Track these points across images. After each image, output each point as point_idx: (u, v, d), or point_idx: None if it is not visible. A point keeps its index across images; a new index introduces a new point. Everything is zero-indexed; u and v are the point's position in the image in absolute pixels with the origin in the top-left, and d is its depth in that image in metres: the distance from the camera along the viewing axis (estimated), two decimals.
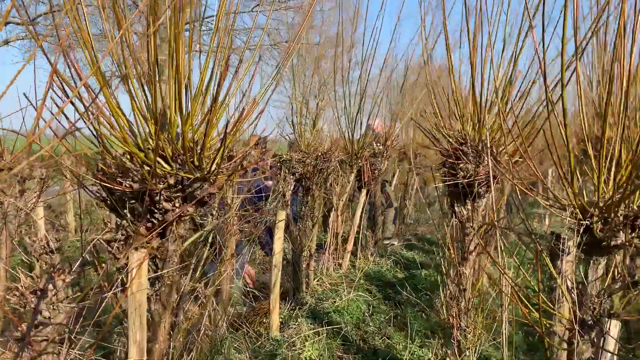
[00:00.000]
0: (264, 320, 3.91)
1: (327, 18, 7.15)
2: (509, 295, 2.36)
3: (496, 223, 2.53)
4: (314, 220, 4.67)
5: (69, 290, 1.46)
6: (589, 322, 1.79)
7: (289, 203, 4.19)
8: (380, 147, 6.22)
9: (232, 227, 3.20)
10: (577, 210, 1.73)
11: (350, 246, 5.79)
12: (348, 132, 5.45)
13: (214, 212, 2.59)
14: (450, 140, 2.79)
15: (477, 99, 2.67)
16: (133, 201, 1.65)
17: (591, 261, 1.83)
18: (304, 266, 4.66)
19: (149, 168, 1.58)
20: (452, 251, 3.03)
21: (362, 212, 5.99)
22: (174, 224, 1.68)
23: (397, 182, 8.39)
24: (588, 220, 1.70)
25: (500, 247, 2.54)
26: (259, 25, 21.63)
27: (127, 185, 1.61)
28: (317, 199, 4.54)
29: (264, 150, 8.17)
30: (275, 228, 3.53)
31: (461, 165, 2.74)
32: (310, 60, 5.32)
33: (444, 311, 2.98)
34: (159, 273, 1.71)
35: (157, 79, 1.57)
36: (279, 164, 4.17)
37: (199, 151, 1.61)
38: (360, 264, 6.15)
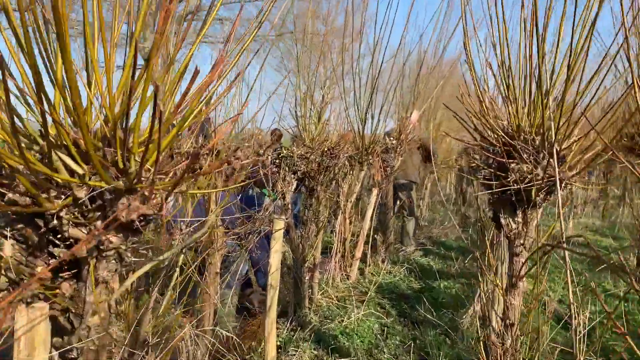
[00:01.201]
0: (258, 346, 3.28)
1: (334, 7, 6.52)
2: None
3: (563, 241, 1.88)
4: (319, 226, 4.02)
5: None
6: None
7: (289, 207, 3.54)
8: (394, 141, 5.56)
9: (216, 239, 2.56)
10: None
11: (359, 253, 5.14)
12: (358, 125, 4.78)
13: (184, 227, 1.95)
14: (498, 132, 2.14)
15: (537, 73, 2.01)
16: (21, 225, 1.00)
17: None
18: (306, 278, 4.02)
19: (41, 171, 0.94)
20: (494, 275, 2.37)
21: (372, 215, 5.34)
22: (91, 261, 1.04)
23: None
24: None
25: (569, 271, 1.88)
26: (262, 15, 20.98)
27: (9, 199, 0.96)
28: (322, 201, 3.88)
29: (276, 146, 7.54)
30: (272, 239, 2.88)
31: (513, 165, 2.09)
32: (315, 50, 4.71)
33: (483, 354, 2.32)
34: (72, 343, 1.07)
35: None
36: (277, 161, 3.52)
37: (126, 142, 0.96)
38: (370, 271, 5.51)
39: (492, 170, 2.22)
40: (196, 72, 0.93)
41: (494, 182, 2.21)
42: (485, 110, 2.22)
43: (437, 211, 9.75)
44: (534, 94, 2.07)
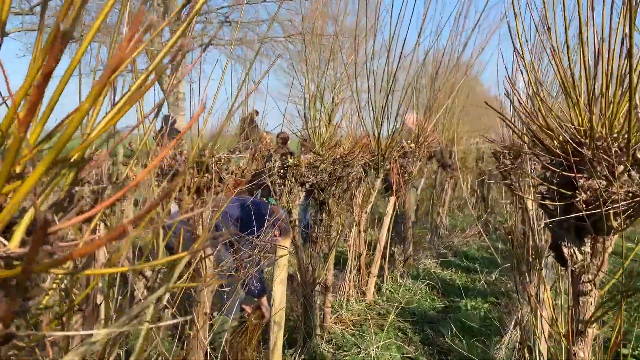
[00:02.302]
0: None
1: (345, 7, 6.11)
2: None
3: None
4: (331, 243, 3.54)
5: None
6: None
7: (296, 224, 3.07)
8: (412, 145, 5.07)
9: (205, 272, 2.10)
10: None
11: (375, 269, 4.66)
12: (373, 128, 4.30)
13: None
14: (563, 138, 1.63)
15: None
16: None
17: None
18: (317, 302, 3.55)
19: None
20: (558, 320, 1.87)
21: (390, 226, 4.85)
22: None
23: (424, 185, 7.23)
24: None
25: None
26: (270, 16, 20.61)
27: None
28: (334, 216, 3.41)
29: (283, 151, 7.08)
30: (275, 266, 2.41)
31: (582, 181, 1.60)
32: (325, 51, 4.28)
33: None
34: None
35: None
36: (282, 171, 3.06)
37: None
38: (388, 288, 5.02)
39: (552, 187, 1.72)
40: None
41: (556, 203, 1.71)
42: (541, 110, 1.72)
43: (456, 217, 9.22)
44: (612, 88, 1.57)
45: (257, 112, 8.27)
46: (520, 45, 1.72)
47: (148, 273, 1.37)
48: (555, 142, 1.72)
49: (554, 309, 2.30)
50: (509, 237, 4.41)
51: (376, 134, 4.33)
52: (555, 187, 1.69)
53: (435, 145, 5.56)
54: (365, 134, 4.30)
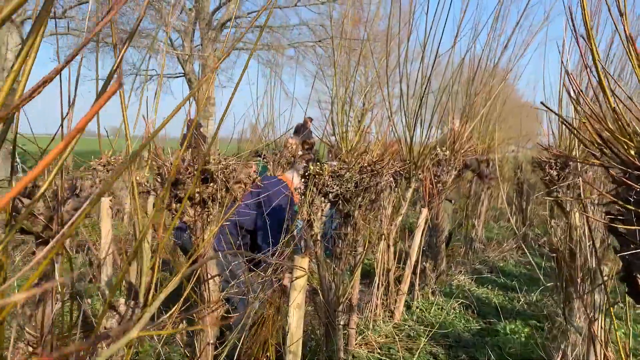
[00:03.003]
0: None
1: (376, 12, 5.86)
2: None
3: None
4: (357, 259, 3.24)
5: None
6: None
7: (317, 239, 2.79)
8: (446, 153, 4.73)
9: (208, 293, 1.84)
10: None
11: (405, 286, 4.32)
12: (405, 134, 3.98)
13: None
14: None
15: None
16: None
17: None
18: (341, 324, 3.24)
19: None
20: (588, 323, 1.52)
21: (421, 240, 4.51)
22: None
23: (457, 196, 6.84)
24: None
25: None
26: (302, 20, 20.48)
27: None
28: (360, 230, 3.11)
29: (309, 157, 6.81)
30: (291, 289, 2.13)
31: None
32: (354, 55, 4.03)
33: None
34: None
35: None
36: (303, 180, 2.77)
37: None
38: (418, 306, 4.67)
39: (628, 206, 1.39)
40: None
41: (633, 227, 1.37)
42: (617, 111, 1.39)
43: (491, 229, 8.77)
44: None
45: (310, 119, 8.03)
46: (588, 29, 1.39)
47: (121, 308, 1.11)
48: (632, 152, 1.38)
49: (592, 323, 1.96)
50: (554, 255, 4.03)
51: (408, 139, 4.02)
52: (632, 207, 1.35)
53: (472, 153, 5.19)
54: (396, 140, 3.99)
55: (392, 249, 4.18)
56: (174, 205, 1.77)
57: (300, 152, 6.68)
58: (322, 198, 2.75)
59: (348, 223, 3.00)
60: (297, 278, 2.08)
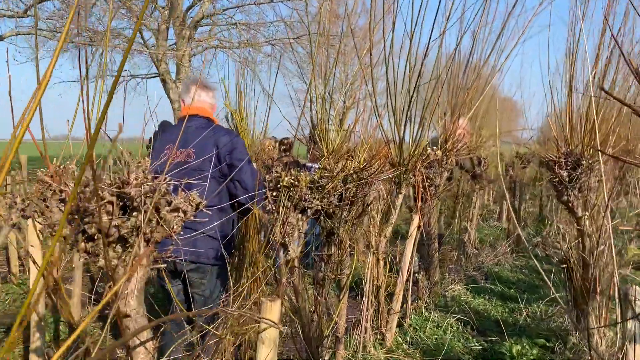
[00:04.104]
0: None
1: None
2: None
3: None
4: (343, 283, 2.74)
5: None
6: None
7: (295, 264, 2.28)
8: (438, 153, 4.25)
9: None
10: None
11: (398, 305, 3.83)
12: (393, 133, 3.49)
13: None
14: None
15: None
16: None
17: None
18: (326, 358, 2.74)
19: None
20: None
21: (413, 250, 4.02)
22: None
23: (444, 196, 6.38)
24: None
25: None
26: (279, 17, 19.91)
27: None
28: (345, 249, 2.60)
29: (288, 159, 6.28)
30: (259, 343, 1.61)
31: None
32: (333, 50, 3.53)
33: None
34: None
35: None
36: (275, 193, 2.25)
37: None
38: (412, 324, 4.20)
39: None
40: None
41: None
42: None
43: (481, 229, 8.34)
44: None
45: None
46: None
47: None
48: None
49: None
50: (564, 265, 3.59)
51: (397, 139, 3.52)
52: None
53: (466, 152, 4.73)
54: (384, 143, 3.49)
55: (381, 263, 3.68)
56: (82, 244, 1.24)
57: (276, 155, 6.16)
58: (299, 215, 2.24)
59: (332, 242, 2.49)
60: (265, 330, 1.57)
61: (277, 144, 6.20)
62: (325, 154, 2.73)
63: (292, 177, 2.20)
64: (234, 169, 2.64)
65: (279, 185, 2.19)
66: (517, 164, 7.33)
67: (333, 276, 2.52)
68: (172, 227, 1.31)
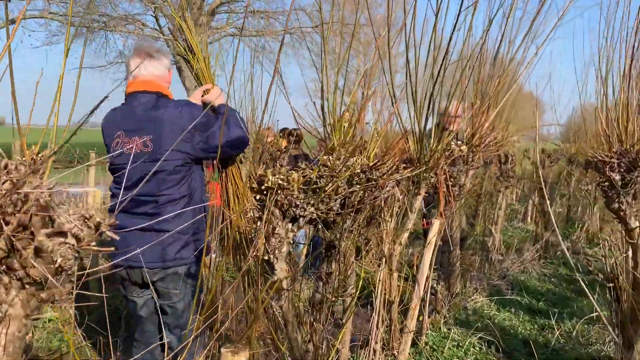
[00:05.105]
0: None
1: None
2: None
3: None
4: (346, 305, 2.25)
5: None
6: None
7: (282, 286, 1.79)
8: (463, 148, 3.71)
9: None
10: None
11: (413, 323, 3.33)
12: (413, 125, 2.96)
13: None
14: None
15: None
16: None
17: None
18: None
19: None
20: None
21: (432, 259, 3.51)
22: None
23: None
24: None
25: None
26: (299, 6, 19.38)
27: None
28: (350, 265, 2.11)
29: (296, 152, 5.78)
30: None
31: None
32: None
33: None
34: None
35: None
36: (259, 197, 1.76)
37: None
38: (429, 342, 3.70)
39: None
40: None
41: None
42: None
43: (504, 231, 7.76)
44: None
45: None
46: None
47: None
48: None
49: None
50: (612, 284, 3.05)
51: (417, 131, 2.99)
52: None
53: (494, 147, 4.18)
54: (400, 135, 2.98)
55: (395, 274, 3.18)
56: None
57: (284, 146, 5.67)
58: (289, 224, 1.75)
59: (332, 257, 2.00)
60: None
61: (287, 135, 5.71)
62: (337, 144, 2.23)
63: (281, 176, 1.71)
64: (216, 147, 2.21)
65: (263, 187, 1.69)
66: (547, 162, 6.74)
67: (334, 298, 2.03)
68: (55, 260, 0.83)
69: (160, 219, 2.09)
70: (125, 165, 2.22)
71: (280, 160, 4.61)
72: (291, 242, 1.75)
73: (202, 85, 2.47)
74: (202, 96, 2.44)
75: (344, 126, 2.37)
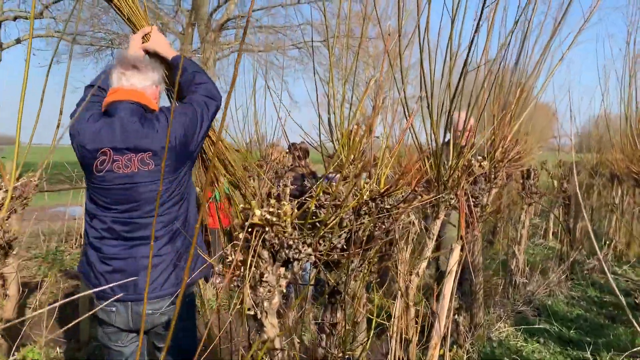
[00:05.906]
0: None
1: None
2: None
3: None
4: (356, 357, 1.87)
5: None
6: None
7: (275, 345, 1.42)
8: (484, 164, 3.34)
9: None
10: None
11: None
12: (430, 139, 2.60)
13: None
14: None
15: None
16: None
17: None
18: None
19: None
20: None
21: (453, 289, 3.12)
22: None
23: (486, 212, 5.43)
24: None
25: None
26: (307, 20, 19.22)
27: None
28: (359, 310, 1.74)
29: (303, 170, 5.42)
30: None
31: None
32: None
33: None
34: None
35: None
36: (244, 235, 1.42)
37: None
38: None
39: None
40: None
41: None
42: None
43: (526, 250, 7.32)
44: None
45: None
46: None
47: None
48: None
49: None
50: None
51: (433, 147, 2.63)
52: None
53: (519, 162, 3.80)
54: (414, 152, 2.62)
55: (412, 310, 2.80)
56: None
57: (290, 162, 5.33)
58: (281, 269, 1.39)
59: (334, 305, 1.63)
60: None
61: (290, 149, 5.36)
62: (343, 157, 1.89)
63: (270, 209, 1.36)
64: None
65: (247, 224, 1.35)
66: (571, 175, 6.32)
67: (340, 354, 1.66)
68: None
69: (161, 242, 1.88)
70: (117, 186, 1.93)
71: (284, 180, 4.25)
72: (284, 290, 1.39)
73: (137, 30, 2.18)
74: (143, 43, 2.17)
75: (355, 140, 2.03)
